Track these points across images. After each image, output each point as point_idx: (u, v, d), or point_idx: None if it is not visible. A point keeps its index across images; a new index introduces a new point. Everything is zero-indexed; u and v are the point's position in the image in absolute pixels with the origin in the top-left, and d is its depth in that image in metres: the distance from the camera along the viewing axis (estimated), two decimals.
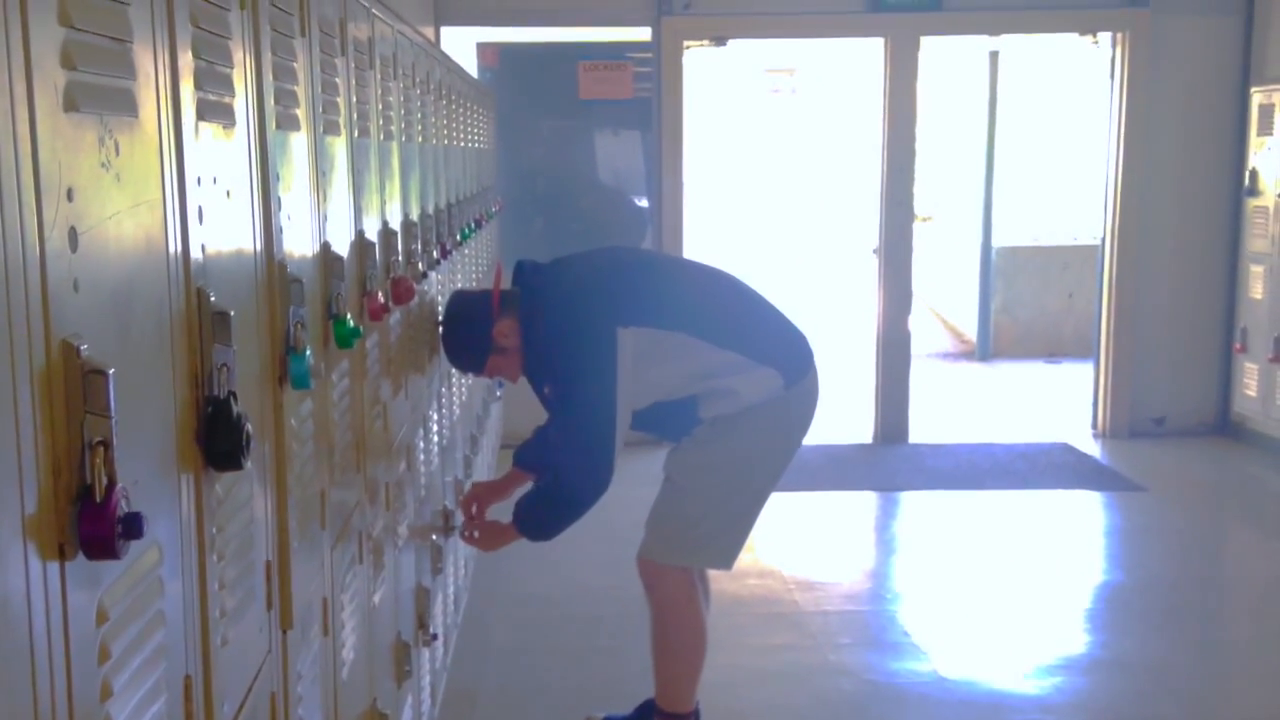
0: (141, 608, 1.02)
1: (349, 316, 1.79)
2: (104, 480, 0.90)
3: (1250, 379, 6.15)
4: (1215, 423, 6.50)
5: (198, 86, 1.21)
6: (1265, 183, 5.96)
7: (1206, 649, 3.91)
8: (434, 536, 3.01)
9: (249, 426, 1.21)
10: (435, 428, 3.12)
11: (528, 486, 3.08)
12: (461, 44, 6.19)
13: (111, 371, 0.90)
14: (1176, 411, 6.53)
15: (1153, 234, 6.38)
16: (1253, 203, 6.09)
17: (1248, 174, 6.10)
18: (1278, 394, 5.89)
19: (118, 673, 0.97)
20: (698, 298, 2.95)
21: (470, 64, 6.14)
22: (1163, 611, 4.20)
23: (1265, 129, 5.97)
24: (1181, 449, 6.30)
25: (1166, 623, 4.10)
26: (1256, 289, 6.06)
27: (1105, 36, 6.40)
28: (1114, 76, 6.37)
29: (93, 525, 0.89)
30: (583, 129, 6.54)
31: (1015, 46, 8.77)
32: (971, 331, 9.40)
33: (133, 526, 0.91)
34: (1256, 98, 6.06)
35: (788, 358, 2.92)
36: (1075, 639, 3.97)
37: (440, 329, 3.04)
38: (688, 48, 6.25)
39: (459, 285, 3.71)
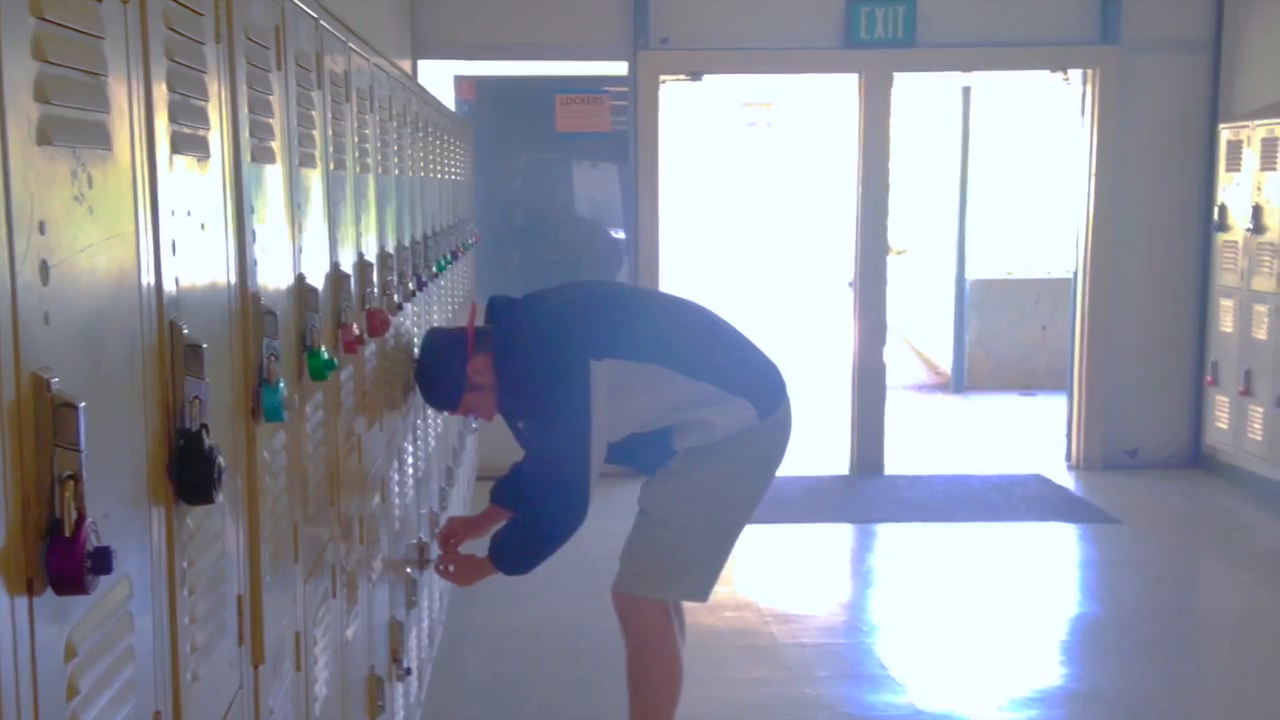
0: (111, 643, 1.01)
1: (323, 349, 1.79)
2: (73, 514, 0.89)
3: (1221, 411, 6.20)
4: (1187, 455, 6.55)
5: (172, 120, 1.21)
6: (1234, 218, 6.04)
7: (1181, 680, 3.92)
8: (408, 570, 3.00)
9: (221, 459, 1.20)
10: (410, 460, 3.11)
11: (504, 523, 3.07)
12: (439, 77, 6.22)
13: (82, 405, 0.89)
14: (1149, 444, 6.57)
15: (1124, 268, 6.45)
16: (1222, 237, 6.17)
17: (1217, 209, 6.18)
18: (1248, 426, 5.94)
19: (86, 709, 0.96)
20: (671, 329, 2.96)
21: (448, 97, 6.16)
22: (1137, 643, 4.22)
23: (1234, 165, 6.05)
24: (1154, 481, 6.34)
25: (1141, 654, 4.11)
26: (1227, 322, 6.13)
27: (1076, 73, 6.49)
28: (1085, 113, 6.46)
29: (62, 560, 0.88)
30: (560, 161, 6.57)
31: (988, 83, 8.87)
32: (946, 364, 9.45)
33: (102, 561, 0.91)
34: (1225, 134, 6.15)
35: (761, 389, 2.93)
36: (1050, 671, 3.98)
37: (415, 368, 3.04)
38: (664, 82, 6.29)
39: (435, 317, 3.70)
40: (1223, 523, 5.81)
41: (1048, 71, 6.62)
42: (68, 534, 0.88)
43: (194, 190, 1.28)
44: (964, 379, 9.18)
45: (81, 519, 0.89)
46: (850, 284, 6.63)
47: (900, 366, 7.89)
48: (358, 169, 2.32)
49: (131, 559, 1.07)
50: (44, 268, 0.90)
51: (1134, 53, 6.29)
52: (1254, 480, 6.02)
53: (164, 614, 1.16)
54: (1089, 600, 4.80)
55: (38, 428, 0.88)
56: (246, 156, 1.48)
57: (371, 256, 2.41)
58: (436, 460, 3.83)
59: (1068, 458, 6.68)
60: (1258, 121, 5.86)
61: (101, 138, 1.02)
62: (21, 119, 0.87)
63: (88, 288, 0.99)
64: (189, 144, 1.26)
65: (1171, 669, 4.00)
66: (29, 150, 0.88)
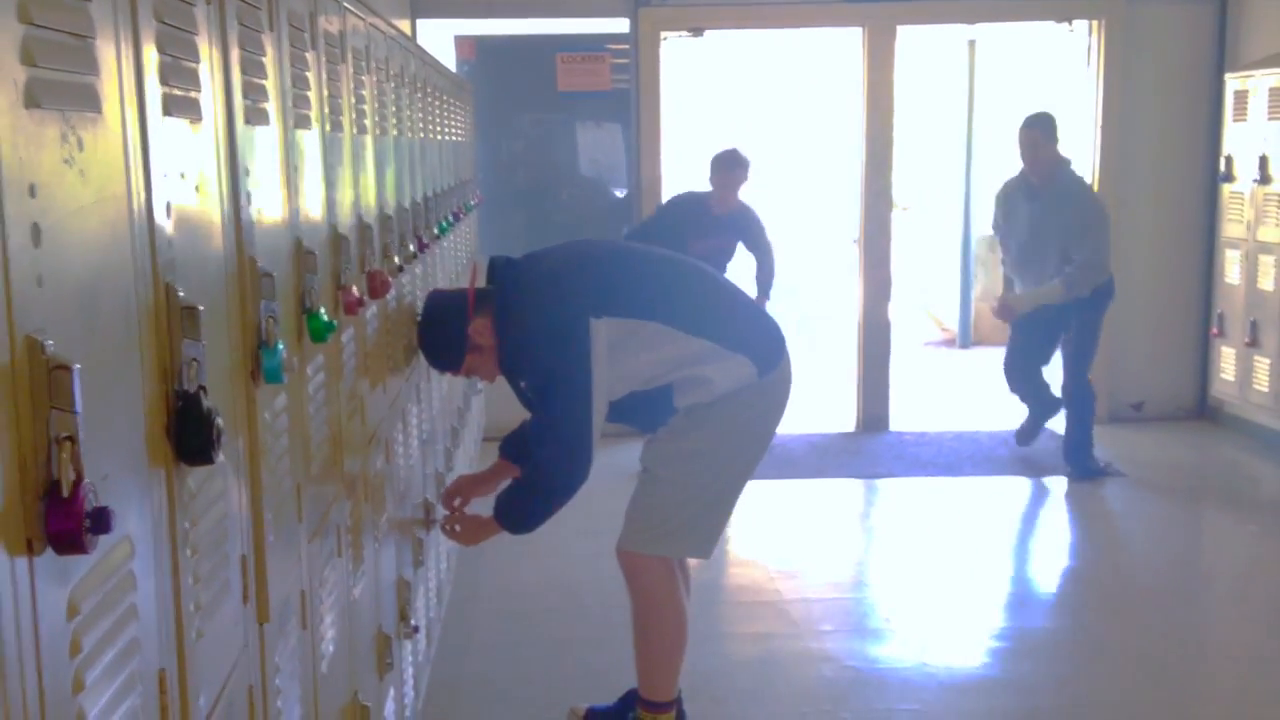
0: (113, 602, 1.03)
1: (323, 310, 1.79)
2: (71, 475, 0.90)
3: (1227, 363, 6.19)
4: (1193, 407, 6.55)
5: (163, 82, 1.21)
6: (1240, 168, 6.00)
7: (1184, 631, 3.95)
8: (415, 530, 3.02)
9: (220, 421, 1.21)
10: (415, 421, 3.13)
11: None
12: (438, 37, 6.18)
13: (77, 367, 0.90)
14: (1155, 397, 6.57)
15: (1130, 220, 6.41)
16: (1228, 188, 6.13)
17: (1223, 160, 6.14)
18: (1254, 378, 5.93)
19: (90, 666, 0.97)
20: (669, 287, 2.96)
21: (448, 57, 6.12)
22: (1141, 594, 4.24)
23: (1240, 115, 6.00)
24: (1160, 433, 6.34)
25: (1145, 606, 4.13)
26: (1233, 274, 6.10)
27: (1081, 24, 6.43)
28: (1090, 64, 6.40)
29: (60, 520, 0.89)
30: (562, 121, 6.54)
31: (992, 35, 8.79)
32: (952, 319, 9.43)
33: (101, 521, 0.92)
34: (1232, 84, 6.10)
35: (760, 346, 2.94)
36: (1055, 622, 4.00)
37: (417, 330, 3.04)
38: (665, 38, 6.25)
39: (437, 279, 3.71)
40: (1228, 475, 5.82)
41: (1053, 22, 6.55)
42: (65, 495, 0.89)
43: (187, 152, 1.28)
44: (969, 334, 9.16)
45: (79, 480, 0.90)
46: (855, 241, 6.61)
47: (905, 323, 7.88)
48: (355, 130, 2.32)
49: (132, 520, 1.08)
50: (35, 230, 0.90)
51: (1139, 2, 6.23)
52: (1260, 431, 6.02)
53: (167, 573, 1.17)
54: (1094, 552, 4.82)
55: (33, 390, 0.89)
56: (240, 119, 1.48)
57: (371, 218, 2.41)
58: (441, 421, 3.85)
59: None
60: (1264, 71, 5.81)
61: (90, 100, 1.02)
62: (9, 82, 0.87)
63: (81, 250, 1.00)
64: (180, 106, 1.26)
65: (1175, 620, 4.02)
66: (17, 113, 0.88)
